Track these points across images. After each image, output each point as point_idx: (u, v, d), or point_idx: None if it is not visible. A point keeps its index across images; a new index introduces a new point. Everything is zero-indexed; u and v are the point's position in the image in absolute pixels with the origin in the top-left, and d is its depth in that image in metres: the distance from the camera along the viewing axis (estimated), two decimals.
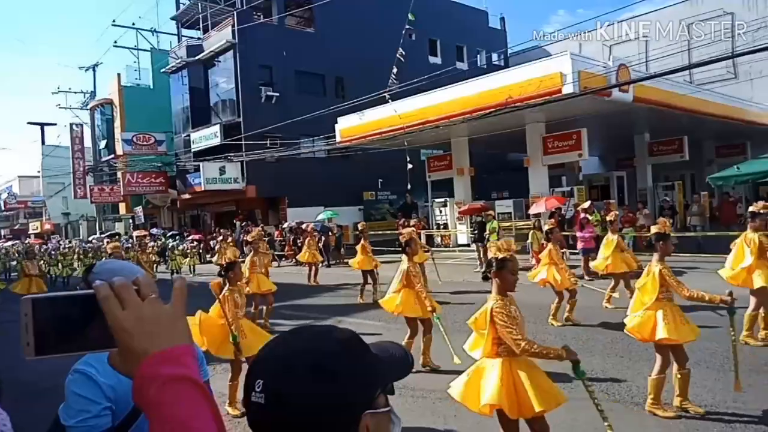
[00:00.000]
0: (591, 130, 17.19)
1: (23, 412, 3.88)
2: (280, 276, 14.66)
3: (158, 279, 13.23)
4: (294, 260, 20.14)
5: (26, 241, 29.37)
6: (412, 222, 16.19)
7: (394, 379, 0.92)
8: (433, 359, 6.54)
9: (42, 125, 48.03)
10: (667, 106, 16.68)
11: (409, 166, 19.31)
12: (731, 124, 20.45)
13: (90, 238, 29.64)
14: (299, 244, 19.71)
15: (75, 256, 21.83)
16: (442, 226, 21.74)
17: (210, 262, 20.39)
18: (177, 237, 25.98)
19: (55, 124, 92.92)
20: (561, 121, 16.54)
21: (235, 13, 25.78)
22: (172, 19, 31.53)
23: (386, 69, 17.28)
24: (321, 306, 11.61)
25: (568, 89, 14.00)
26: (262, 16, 27.49)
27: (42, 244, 27.42)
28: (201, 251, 23.53)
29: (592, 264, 10.33)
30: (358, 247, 12.04)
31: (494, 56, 33.45)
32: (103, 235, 30.00)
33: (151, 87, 33.95)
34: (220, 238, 19.18)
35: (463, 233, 20.43)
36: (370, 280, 11.64)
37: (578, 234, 12.71)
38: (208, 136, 26.76)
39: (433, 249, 16.50)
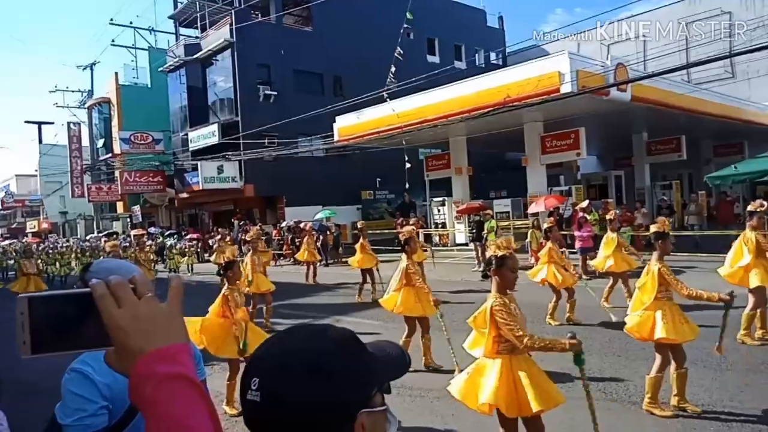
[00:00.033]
0: (589, 130, 17.21)
1: (22, 412, 3.88)
2: (278, 275, 14.65)
3: (158, 278, 13.21)
4: (292, 259, 20.15)
5: (23, 240, 29.31)
6: (411, 221, 16.17)
7: (390, 379, 0.93)
8: (434, 359, 6.53)
9: (39, 124, 47.90)
10: (664, 106, 16.71)
11: (408, 165, 19.32)
12: (729, 124, 20.49)
13: (87, 237, 29.58)
14: (297, 244, 19.70)
15: (73, 255, 21.79)
16: (440, 226, 21.75)
17: (208, 261, 20.38)
18: (175, 236, 25.95)
19: (52, 123, 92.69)
20: (559, 121, 16.56)
21: (232, 12, 25.75)
22: (170, 18, 31.46)
23: (384, 68, 17.27)
24: (319, 305, 11.61)
25: (566, 88, 14.01)
26: (260, 15, 27.46)
27: (39, 242, 27.37)
28: (199, 250, 23.51)
29: (592, 263, 10.34)
30: (357, 246, 12.03)
31: (492, 55, 33.44)
32: (100, 234, 29.97)
33: (149, 86, 33.90)
34: (219, 237, 19.18)
35: (461, 232, 20.44)
36: (369, 280, 11.63)
37: (576, 233, 12.72)
38: (205, 135, 26.73)
39: (432, 248, 16.50)
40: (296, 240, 20.34)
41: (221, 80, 27.05)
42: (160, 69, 30.09)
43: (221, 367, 6.21)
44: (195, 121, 27.86)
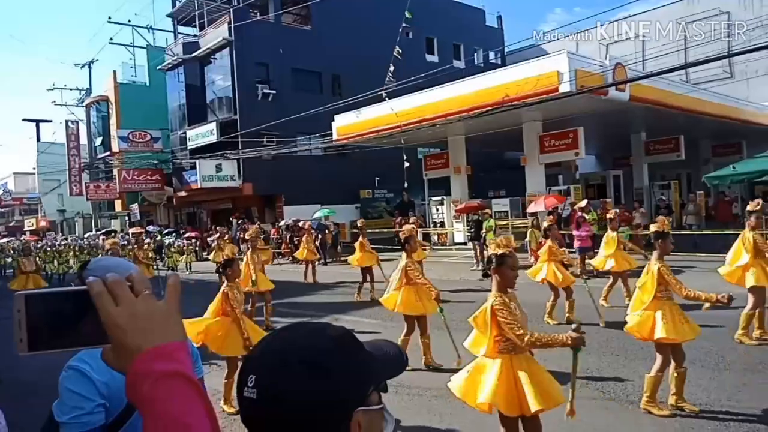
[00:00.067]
0: (588, 129, 17.22)
1: (22, 410, 3.87)
2: (277, 274, 14.65)
3: (156, 276, 13.20)
4: (290, 258, 20.15)
5: (21, 238, 29.28)
6: (411, 220, 16.18)
7: (387, 377, 0.93)
8: (434, 358, 6.53)
9: (37, 122, 47.79)
10: (663, 106, 16.73)
11: (406, 164, 19.33)
12: (727, 124, 20.52)
13: (85, 235, 29.55)
14: (296, 242, 19.69)
15: (71, 253, 21.77)
16: (438, 225, 21.75)
17: (207, 259, 20.36)
18: (173, 234, 25.93)
19: (50, 121, 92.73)
20: (558, 120, 16.57)
21: (231, 10, 25.73)
22: (169, 16, 31.43)
23: (383, 67, 17.26)
24: (318, 304, 11.61)
25: (564, 88, 14.02)
26: (258, 14, 27.45)
27: (37, 240, 27.32)
28: (197, 249, 23.50)
29: (592, 261, 10.36)
30: (357, 245, 12.02)
31: (491, 55, 33.46)
32: (99, 233, 29.94)
33: (147, 84, 33.84)
34: (217, 235, 19.16)
35: (459, 232, 20.45)
36: (368, 278, 11.62)
37: (575, 233, 12.73)
38: (204, 134, 26.70)
39: (431, 246, 16.51)
40: (295, 239, 20.34)
41: (220, 79, 27.02)
42: (158, 67, 30.04)
43: (219, 365, 6.21)
44: (193, 119, 27.84)
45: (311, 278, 14.84)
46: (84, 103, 36.06)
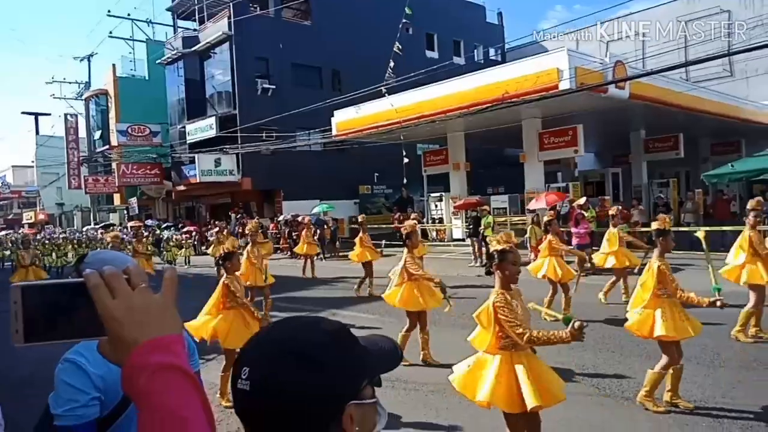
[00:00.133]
0: (587, 127, 17.22)
1: (20, 404, 3.88)
2: (276, 269, 14.59)
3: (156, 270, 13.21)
4: (289, 253, 20.15)
5: (20, 231, 29.24)
6: (412, 216, 16.19)
7: (381, 372, 0.94)
8: (432, 354, 6.53)
9: (36, 115, 47.72)
10: (663, 104, 16.72)
11: (405, 160, 19.33)
12: (726, 122, 20.52)
13: (84, 229, 29.51)
14: (294, 237, 19.69)
15: (69, 246, 21.75)
16: (437, 221, 21.76)
17: (205, 253, 20.37)
18: (172, 228, 25.91)
19: (49, 114, 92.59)
20: (557, 117, 16.56)
21: (231, 4, 25.60)
22: (168, 10, 31.32)
23: (383, 63, 17.24)
24: (316, 298, 11.63)
25: (564, 85, 14.01)
26: (258, 8, 27.32)
27: (36, 233, 27.29)
28: (196, 243, 23.50)
29: (593, 258, 10.37)
30: (357, 240, 12.00)
31: (491, 51, 33.40)
32: (97, 226, 29.89)
33: (147, 78, 33.75)
34: (216, 229, 19.16)
35: (458, 228, 20.46)
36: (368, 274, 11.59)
37: (573, 230, 12.74)
38: (203, 128, 26.67)
39: (428, 243, 16.52)
40: (293, 234, 20.34)
41: (219, 73, 26.96)
42: (158, 61, 29.97)
43: (216, 359, 6.23)
44: (193, 113, 27.79)
45: (310, 273, 14.84)
46: (83, 97, 35.94)
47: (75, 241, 22.32)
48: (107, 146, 33.33)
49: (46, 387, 1.82)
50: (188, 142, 27.71)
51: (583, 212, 13.24)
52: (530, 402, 3.30)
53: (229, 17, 25.24)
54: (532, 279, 8.65)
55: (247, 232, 11.02)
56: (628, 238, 9.63)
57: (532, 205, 16.17)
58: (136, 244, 14.38)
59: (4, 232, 30.93)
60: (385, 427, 0.92)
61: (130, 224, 23.37)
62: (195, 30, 28.94)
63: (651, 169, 22.88)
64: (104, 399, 1.71)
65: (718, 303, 4.57)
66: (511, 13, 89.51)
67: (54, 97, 36.71)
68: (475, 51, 32.69)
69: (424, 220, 21.78)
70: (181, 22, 31.22)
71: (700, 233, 5.54)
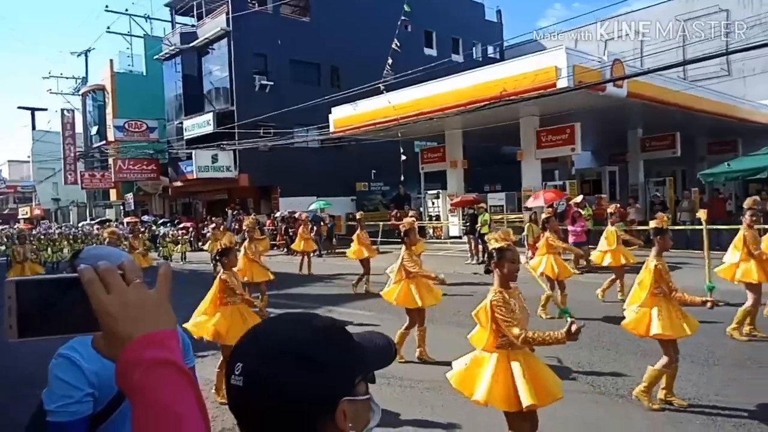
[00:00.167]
0: (584, 125, 17.23)
1: (21, 402, 3.88)
2: (272, 265, 14.55)
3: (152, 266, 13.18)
4: (285, 249, 20.14)
5: (15, 226, 29.13)
6: (411, 213, 16.18)
7: (375, 368, 0.94)
8: (428, 352, 6.54)
9: (33, 110, 47.50)
10: (660, 102, 16.74)
11: (403, 157, 19.30)
12: (723, 121, 20.55)
13: (80, 224, 29.43)
14: (291, 234, 19.68)
15: (65, 242, 21.69)
16: (434, 218, 21.77)
17: (202, 249, 20.33)
18: (168, 224, 25.86)
19: (46, 110, 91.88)
20: (555, 116, 16.56)
21: (229, 0, 25.54)
22: (166, 5, 31.20)
23: (381, 60, 17.22)
24: (313, 295, 11.63)
25: (562, 83, 14.01)
26: (257, 4, 27.26)
27: (31, 229, 27.20)
28: (192, 239, 23.47)
29: (590, 257, 10.39)
30: (355, 237, 11.97)
31: (490, 49, 33.37)
32: (93, 222, 29.83)
33: (144, 74, 33.65)
34: (212, 226, 19.12)
35: (455, 225, 20.48)
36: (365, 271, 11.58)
37: (570, 228, 12.77)
38: (200, 124, 26.59)
39: (425, 241, 16.51)
40: (290, 230, 20.33)
41: (217, 69, 26.87)
42: (155, 57, 29.85)
43: (212, 355, 6.23)
44: (190, 109, 27.70)
45: (306, 270, 14.84)
46: (80, 92, 35.84)
47: (71, 237, 22.27)
48: (104, 142, 33.23)
49: (44, 383, 1.81)
50: (185, 138, 27.64)
51: (580, 210, 13.28)
52: (526, 401, 3.30)
53: (228, 13, 25.14)
54: (528, 277, 8.66)
55: (244, 228, 11.02)
56: (624, 236, 9.66)
57: (530, 203, 16.18)
58: (132, 240, 14.35)
59: None
60: (383, 424, 0.93)
61: (126, 220, 23.30)
62: (193, 26, 28.85)
63: (648, 167, 22.91)
64: (98, 395, 1.71)
65: (708, 304, 4.61)
66: (510, 11, 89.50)
67: (51, 93, 36.67)
68: (474, 49, 32.65)
69: (422, 216, 21.79)
70: (179, 18, 31.12)
71: (702, 213, 5.57)
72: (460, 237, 19.18)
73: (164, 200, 33.45)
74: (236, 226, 21.10)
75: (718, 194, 18.78)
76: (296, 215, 19.54)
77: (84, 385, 1.69)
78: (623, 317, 5.15)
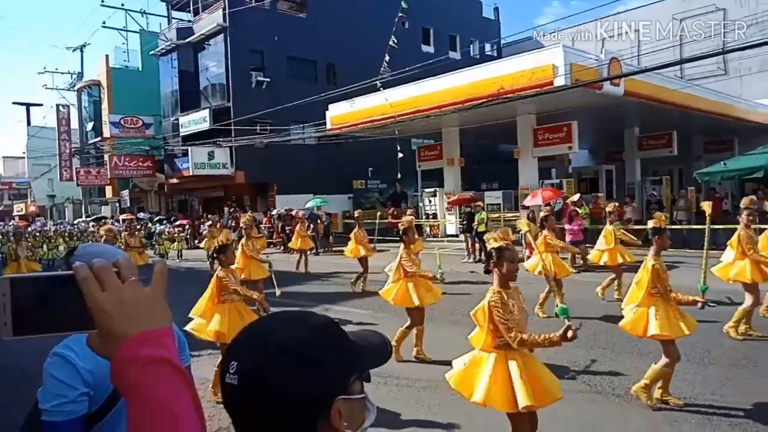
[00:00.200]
0: (581, 123, 17.25)
1: (21, 401, 3.85)
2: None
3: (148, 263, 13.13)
4: (282, 247, 20.11)
5: (11, 223, 29.02)
6: (409, 211, 16.18)
7: (370, 367, 0.93)
8: (425, 351, 6.53)
9: (28, 105, 47.29)
10: (657, 101, 16.77)
11: (400, 155, 19.30)
12: (720, 120, 20.62)
13: (75, 222, 29.33)
14: (288, 232, 19.65)
15: (61, 239, 21.62)
16: (431, 216, 21.78)
17: (198, 247, 20.29)
18: (164, 222, 25.80)
19: (41, 105, 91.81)
20: (552, 114, 16.57)
21: None
22: (162, 0, 31.06)
23: (378, 57, 17.20)
24: (309, 293, 11.61)
25: (559, 81, 14.01)
26: (253, 0, 27.19)
27: (27, 225, 27.10)
28: (188, 236, 23.41)
29: (588, 256, 10.41)
30: (352, 235, 11.94)
31: (487, 46, 33.38)
32: (89, 219, 29.73)
33: (140, 69, 33.52)
34: (209, 223, 19.09)
35: (452, 224, 20.49)
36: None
37: (567, 227, 12.80)
38: (197, 121, 26.51)
39: (421, 239, 16.51)
40: (286, 228, 20.30)
41: (213, 65, 26.79)
42: (151, 52, 29.75)
43: (208, 354, 6.21)
44: (186, 106, 27.62)
45: (303, 268, 14.82)
46: (75, 88, 35.67)
47: (66, 234, 22.19)
48: (99, 138, 33.10)
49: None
50: (181, 134, 27.55)
51: (577, 209, 13.30)
52: (522, 402, 3.29)
53: (224, 9, 25.06)
54: (527, 276, 8.67)
55: (241, 225, 10.99)
56: (622, 236, 9.69)
57: (527, 201, 16.20)
58: (128, 238, 14.27)
59: None
60: (379, 423, 0.92)
61: (122, 217, 23.25)
62: (189, 21, 28.72)
63: (644, 166, 22.97)
64: (93, 394, 1.69)
65: (699, 304, 4.64)
66: (507, 9, 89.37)
67: (46, 88, 36.50)
68: (471, 46, 32.64)
69: (419, 214, 21.80)
70: (175, 13, 30.97)
71: (706, 206, 5.59)
72: (456, 235, 19.20)
73: (160, 197, 33.37)
74: (233, 224, 21.06)
75: (714, 193, 18.84)
76: (293, 213, 19.51)
77: (79, 384, 1.68)
78: (620, 316, 5.16)
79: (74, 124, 36.13)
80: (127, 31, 32.67)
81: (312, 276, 14.14)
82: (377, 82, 17.11)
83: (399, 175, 20.68)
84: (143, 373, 0.72)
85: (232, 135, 24.08)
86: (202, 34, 26.34)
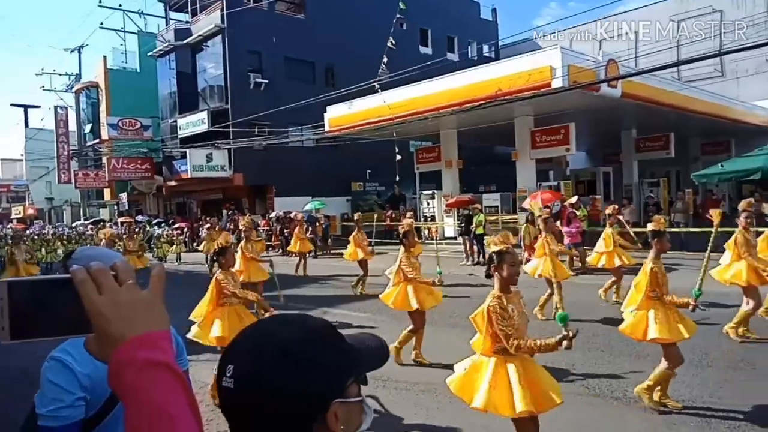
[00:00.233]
0: (579, 125, 17.29)
1: (21, 402, 3.83)
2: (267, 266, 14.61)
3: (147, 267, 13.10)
4: (281, 250, 20.07)
5: (9, 226, 28.94)
6: (408, 214, 16.16)
7: (368, 370, 0.94)
8: (424, 354, 6.52)
9: (25, 107, 47.15)
10: (654, 103, 16.82)
11: (398, 157, 19.29)
12: (717, 122, 20.67)
13: (74, 224, 29.26)
14: (286, 234, 19.62)
15: (59, 242, 21.56)
16: (429, 219, 21.78)
17: (197, 250, 20.25)
18: (162, 224, 25.75)
19: (38, 107, 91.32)
20: (549, 116, 16.60)
21: None
22: (160, 1, 31.04)
23: (376, 58, 17.19)
24: (308, 296, 11.60)
25: (557, 83, 14.05)
26: (251, 1, 27.19)
27: (24, 229, 27.02)
28: (187, 239, 23.37)
29: (587, 258, 10.42)
30: (351, 238, 11.92)
31: (485, 48, 33.43)
32: (87, 222, 29.65)
33: (138, 71, 33.47)
34: (207, 226, 19.06)
35: (450, 226, 20.49)
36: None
37: (565, 229, 12.80)
38: (195, 123, 26.49)
39: (420, 242, 16.49)
40: (285, 231, 20.27)
41: (211, 67, 26.78)
42: (149, 53, 29.70)
43: (207, 358, 6.19)
44: (184, 107, 27.60)
45: (302, 271, 14.79)
46: (73, 89, 35.60)
47: (64, 237, 22.13)
48: (98, 140, 33.04)
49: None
50: (179, 136, 27.52)
51: (575, 211, 13.31)
52: (519, 407, 3.28)
53: (222, 10, 25.05)
54: (528, 279, 8.67)
55: (241, 227, 10.99)
56: (620, 240, 9.71)
57: (526, 203, 16.21)
58: (127, 241, 14.22)
59: None
60: (377, 426, 0.92)
61: (120, 220, 23.19)
62: (187, 22, 28.70)
63: (642, 168, 23.02)
64: (90, 398, 1.69)
65: (690, 306, 4.67)
66: (505, 10, 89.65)
67: (44, 90, 36.41)
68: (469, 47, 32.68)
69: (417, 216, 21.79)
70: (173, 14, 30.95)
71: (715, 215, 5.60)
72: (455, 238, 19.20)
73: (158, 200, 33.32)
74: (231, 226, 21.03)
75: (712, 195, 18.87)
76: (291, 215, 19.48)
77: (76, 388, 1.67)
78: (619, 319, 5.16)
79: (72, 126, 36.05)
80: (124, 32, 32.61)
81: (310, 279, 14.11)
82: (375, 83, 17.11)
83: (397, 178, 20.67)
84: (140, 376, 0.72)
85: (231, 137, 24.07)
86: (200, 35, 26.33)
